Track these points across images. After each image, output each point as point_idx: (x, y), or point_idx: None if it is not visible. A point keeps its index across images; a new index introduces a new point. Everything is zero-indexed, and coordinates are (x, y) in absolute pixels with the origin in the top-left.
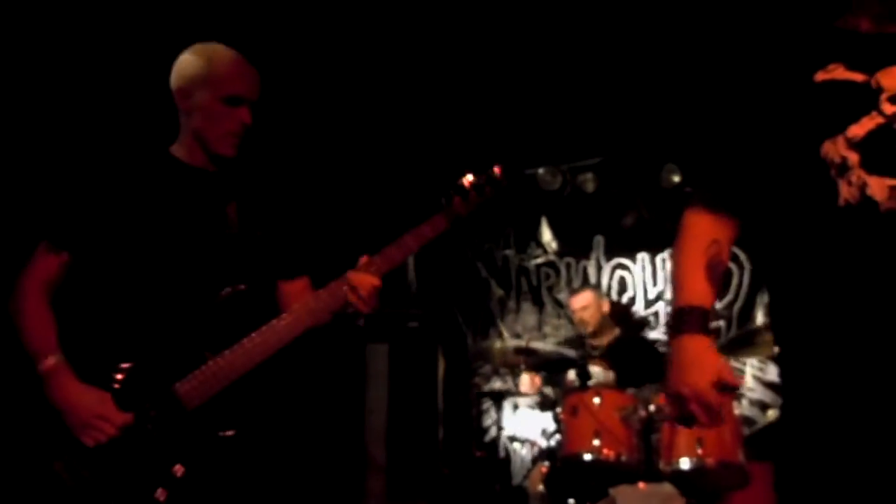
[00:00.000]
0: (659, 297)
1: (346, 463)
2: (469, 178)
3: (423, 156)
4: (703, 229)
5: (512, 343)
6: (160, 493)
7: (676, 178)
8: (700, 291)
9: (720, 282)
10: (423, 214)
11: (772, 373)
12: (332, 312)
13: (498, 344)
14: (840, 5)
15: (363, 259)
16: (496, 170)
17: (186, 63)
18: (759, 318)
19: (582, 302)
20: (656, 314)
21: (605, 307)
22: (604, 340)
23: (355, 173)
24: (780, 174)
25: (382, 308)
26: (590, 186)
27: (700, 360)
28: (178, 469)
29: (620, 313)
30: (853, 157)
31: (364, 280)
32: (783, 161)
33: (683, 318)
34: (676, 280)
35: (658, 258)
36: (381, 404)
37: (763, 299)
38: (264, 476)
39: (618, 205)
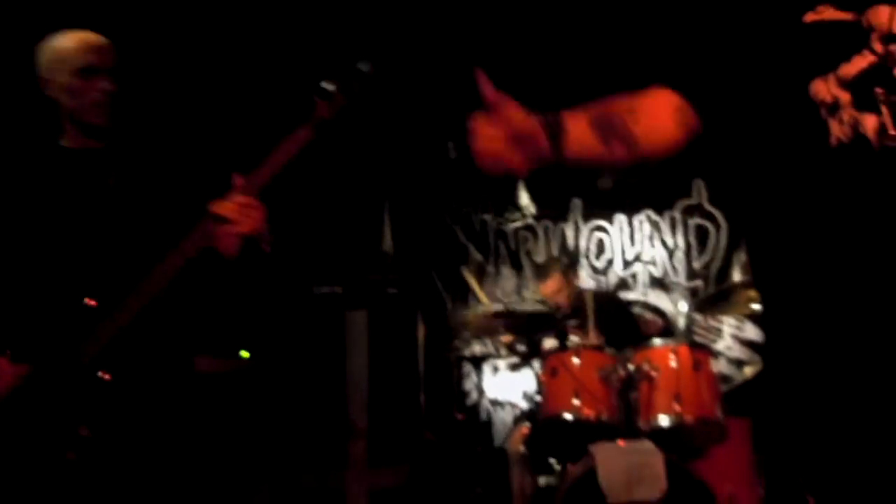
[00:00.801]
0: (637, 259)
1: (327, 429)
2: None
3: (412, 126)
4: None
5: (491, 307)
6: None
7: None
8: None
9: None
10: None
11: (749, 331)
12: (199, 246)
13: (478, 308)
14: None
15: (237, 181)
16: (361, 65)
17: (37, 56)
18: (736, 275)
19: (552, 287)
20: (634, 276)
21: (576, 280)
22: (592, 301)
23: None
24: (768, 115)
25: (360, 275)
26: None
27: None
28: (84, 431)
29: (605, 275)
30: (845, 97)
31: (225, 205)
32: (770, 101)
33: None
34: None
35: (635, 220)
36: (362, 371)
37: (740, 258)
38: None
39: (594, 168)
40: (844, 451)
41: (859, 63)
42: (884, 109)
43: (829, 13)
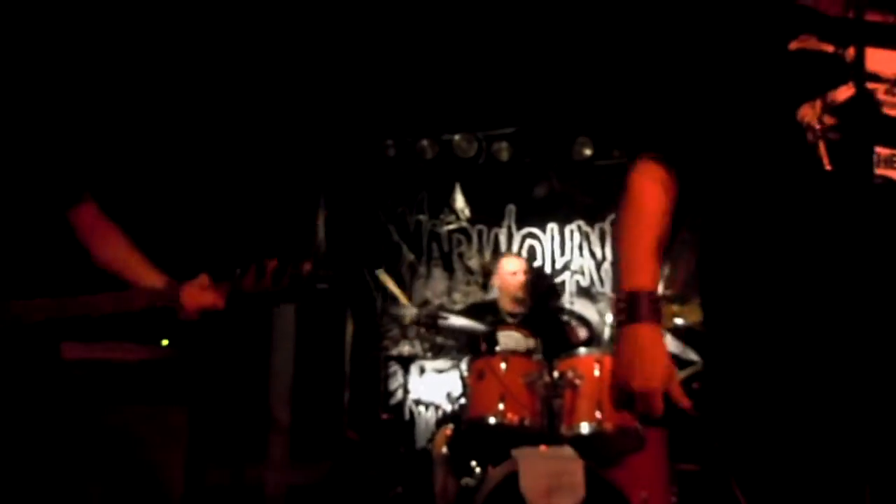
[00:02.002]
0: (566, 267)
1: (249, 423)
2: (273, 264)
3: (341, 119)
4: (654, 202)
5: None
6: None
7: (588, 151)
8: (652, 273)
9: (664, 254)
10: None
11: (670, 344)
12: (153, 305)
13: (407, 309)
14: None
15: (203, 278)
16: (305, 266)
17: None
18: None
19: (514, 266)
20: (562, 283)
21: (529, 275)
22: (524, 308)
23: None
24: (754, 139)
25: (290, 269)
26: (504, 155)
27: (656, 353)
28: None
29: (539, 282)
30: (828, 122)
31: (194, 300)
32: (757, 126)
33: (639, 304)
34: (628, 259)
35: (567, 229)
36: (287, 366)
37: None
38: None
39: (530, 175)
40: (771, 463)
41: (846, 92)
42: (820, 144)
43: (812, 43)
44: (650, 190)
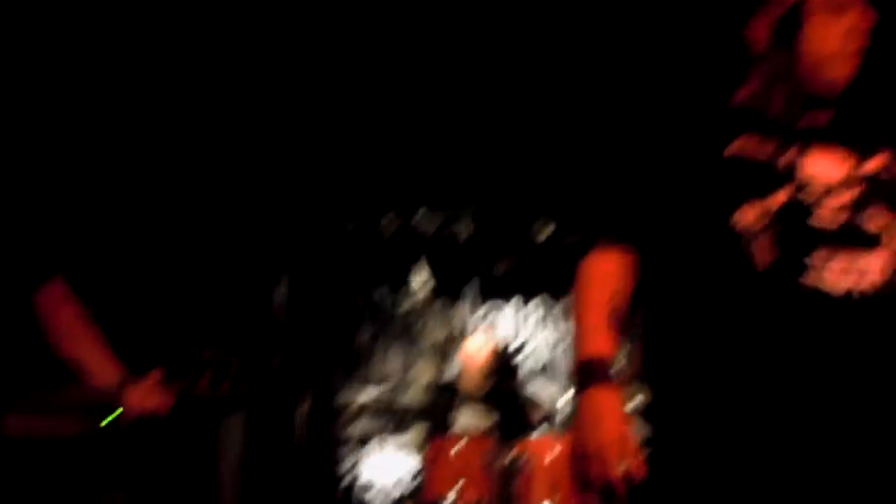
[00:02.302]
0: (526, 345)
1: (195, 498)
2: (234, 366)
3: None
4: (606, 278)
5: (373, 392)
6: None
7: (549, 230)
8: (606, 343)
9: (622, 331)
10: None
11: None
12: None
13: (362, 390)
14: (735, 85)
15: (155, 375)
16: (274, 362)
17: None
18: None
19: (479, 344)
20: (522, 362)
21: (492, 353)
22: (484, 386)
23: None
24: (693, 237)
25: (245, 344)
26: (466, 232)
27: (612, 415)
28: None
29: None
30: (765, 227)
31: (137, 402)
32: (696, 224)
33: (591, 371)
34: (581, 331)
35: (529, 305)
36: (236, 443)
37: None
38: None
39: (492, 252)
40: None
41: (782, 197)
42: (759, 249)
43: (751, 146)
44: (606, 269)
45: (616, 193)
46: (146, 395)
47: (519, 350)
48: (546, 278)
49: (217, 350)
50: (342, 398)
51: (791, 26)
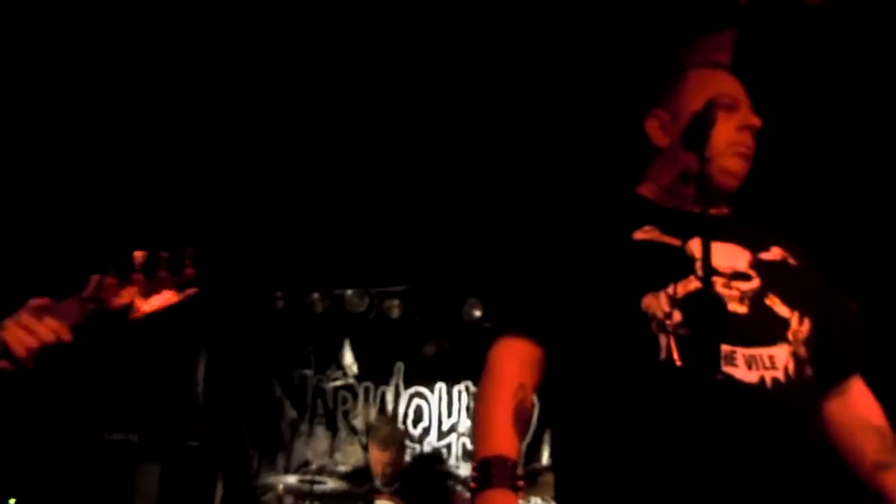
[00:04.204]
0: (452, 429)
1: None
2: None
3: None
4: (511, 373)
5: (294, 478)
6: None
7: (478, 313)
8: (507, 441)
9: (526, 428)
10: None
11: None
12: None
13: (281, 476)
14: (635, 177)
15: (40, 300)
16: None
17: None
18: (545, 457)
19: (384, 434)
20: (448, 446)
21: (404, 442)
22: (394, 475)
23: None
24: (601, 324)
25: (159, 423)
26: (395, 312)
27: None
28: None
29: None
30: (673, 315)
31: (22, 336)
32: (604, 312)
33: (491, 471)
34: (482, 428)
35: (455, 390)
36: None
37: (550, 438)
38: None
39: (420, 333)
40: None
41: (687, 286)
42: (671, 339)
43: (655, 234)
44: (508, 363)
45: (520, 283)
46: (35, 324)
47: (446, 434)
48: (474, 361)
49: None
50: (262, 481)
51: (699, 131)
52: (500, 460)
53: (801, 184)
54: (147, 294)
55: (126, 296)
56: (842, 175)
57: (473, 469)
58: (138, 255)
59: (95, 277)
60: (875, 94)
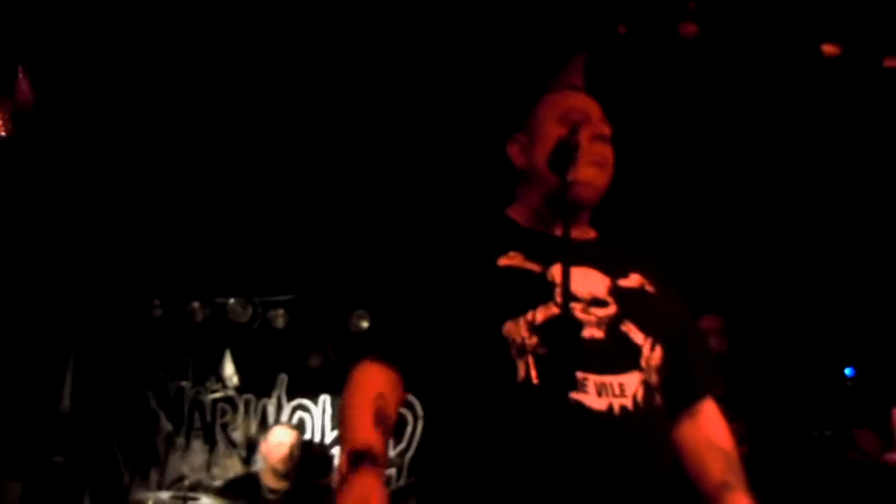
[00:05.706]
0: (336, 442)
1: None
2: None
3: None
4: (371, 386)
5: (167, 494)
6: None
7: (365, 324)
8: (371, 436)
9: (388, 434)
10: None
11: None
12: None
13: (154, 492)
14: (507, 198)
15: None
16: None
17: None
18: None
19: (282, 438)
20: (333, 458)
21: (297, 449)
22: (286, 483)
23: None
24: (462, 351)
25: (20, 437)
26: (280, 322)
27: (366, 499)
28: None
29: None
30: (532, 340)
31: None
32: (466, 339)
33: (355, 461)
34: (345, 427)
35: (339, 401)
36: None
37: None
38: None
39: (305, 344)
40: None
41: (545, 312)
42: (529, 359)
43: (518, 261)
44: (368, 380)
45: (383, 308)
46: None
47: (330, 446)
48: None
49: None
50: (133, 497)
51: (563, 155)
52: (366, 450)
53: (669, 203)
54: None
55: None
56: (711, 195)
57: (342, 464)
58: None
59: None
60: (743, 114)
